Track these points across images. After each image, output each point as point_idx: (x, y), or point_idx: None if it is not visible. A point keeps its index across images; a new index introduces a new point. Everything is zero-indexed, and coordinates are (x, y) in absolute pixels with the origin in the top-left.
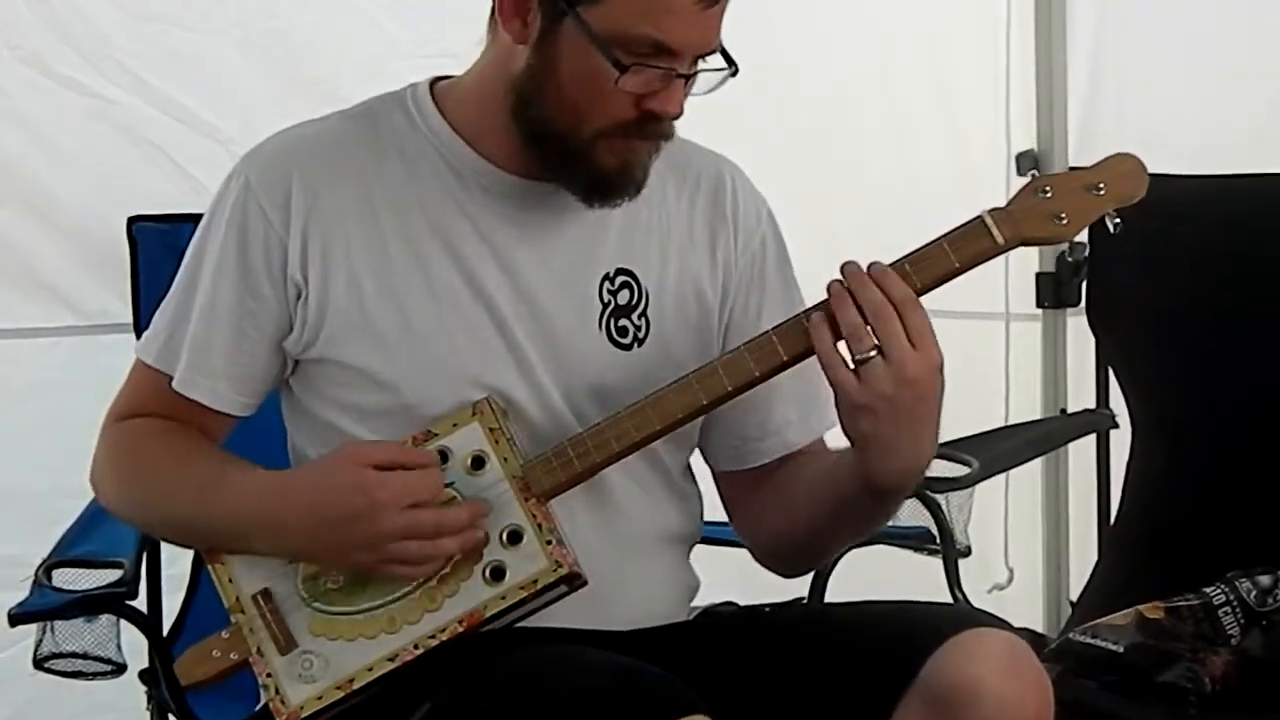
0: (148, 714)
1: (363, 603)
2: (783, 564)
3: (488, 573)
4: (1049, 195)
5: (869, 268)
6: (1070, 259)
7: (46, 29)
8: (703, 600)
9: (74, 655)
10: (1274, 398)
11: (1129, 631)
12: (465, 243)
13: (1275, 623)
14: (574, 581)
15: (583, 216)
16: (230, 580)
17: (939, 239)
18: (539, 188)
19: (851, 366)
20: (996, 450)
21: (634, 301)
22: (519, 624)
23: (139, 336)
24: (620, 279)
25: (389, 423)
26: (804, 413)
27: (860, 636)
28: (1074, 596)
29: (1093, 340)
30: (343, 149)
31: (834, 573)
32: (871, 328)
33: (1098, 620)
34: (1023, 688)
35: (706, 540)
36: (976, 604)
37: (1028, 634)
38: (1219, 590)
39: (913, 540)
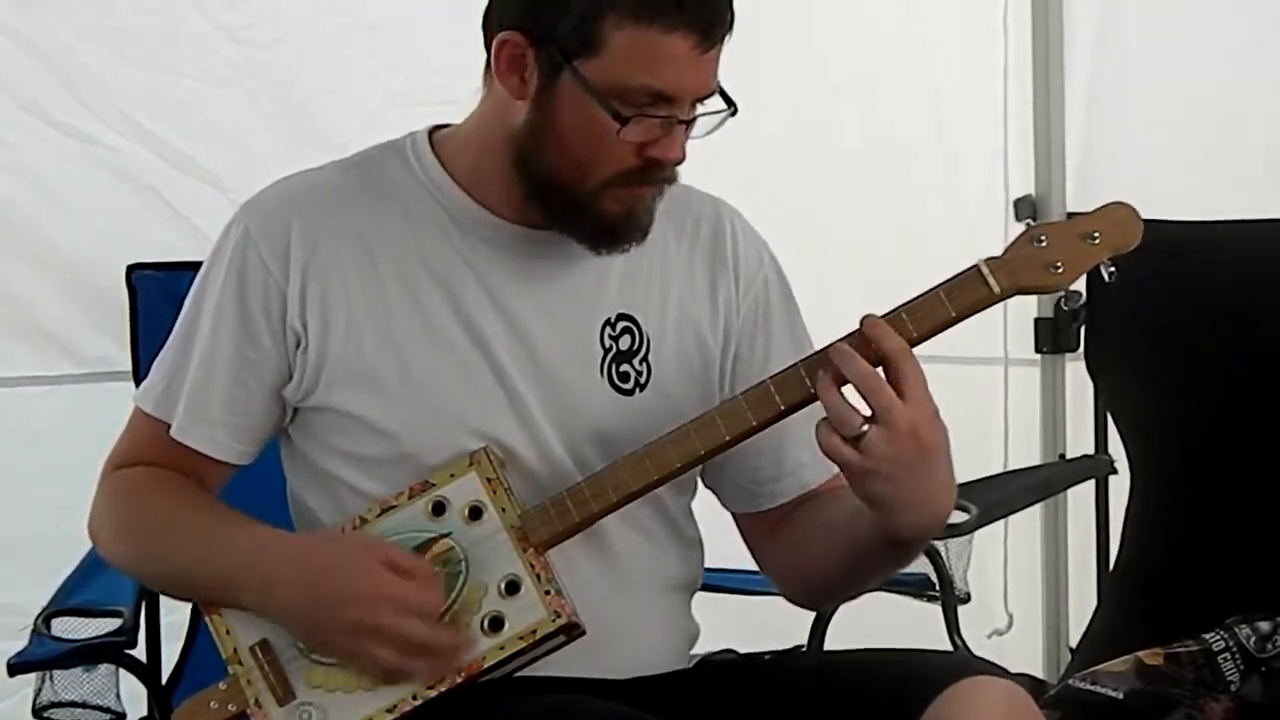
0: None
1: None
2: (805, 599)
3: (486, 623)
4: (1044, 244)
5: (862, 319)
6: (1066, 307)
7: (47, 76)
8: (702, 648)
9: (73, 704)
10: (1272, 444)
11: (1128, 678)
12: (464, 291)
13: (1275, 669)
14: (572, 631)
15: (583, 263)
16: (228, 631)
17: (935, 288)
18: (538, 235)
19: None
20: (995, 496)
21: (635, 347)
22: (518, 674)
23: (138, 384)
24: (621, 324)
25: (388, 471)
26: (817, 453)
27: (860, 684)
28: (1073, 642)
29: (1091, 385)
30: (342, 198)
31: (833, 619)
32: (864, 397)
33: (1097, 666)
34: None
35: (706, 587)
36: (976, 649)
37: (1027, 680)
38: (1218, 636)
39: (912, 587)
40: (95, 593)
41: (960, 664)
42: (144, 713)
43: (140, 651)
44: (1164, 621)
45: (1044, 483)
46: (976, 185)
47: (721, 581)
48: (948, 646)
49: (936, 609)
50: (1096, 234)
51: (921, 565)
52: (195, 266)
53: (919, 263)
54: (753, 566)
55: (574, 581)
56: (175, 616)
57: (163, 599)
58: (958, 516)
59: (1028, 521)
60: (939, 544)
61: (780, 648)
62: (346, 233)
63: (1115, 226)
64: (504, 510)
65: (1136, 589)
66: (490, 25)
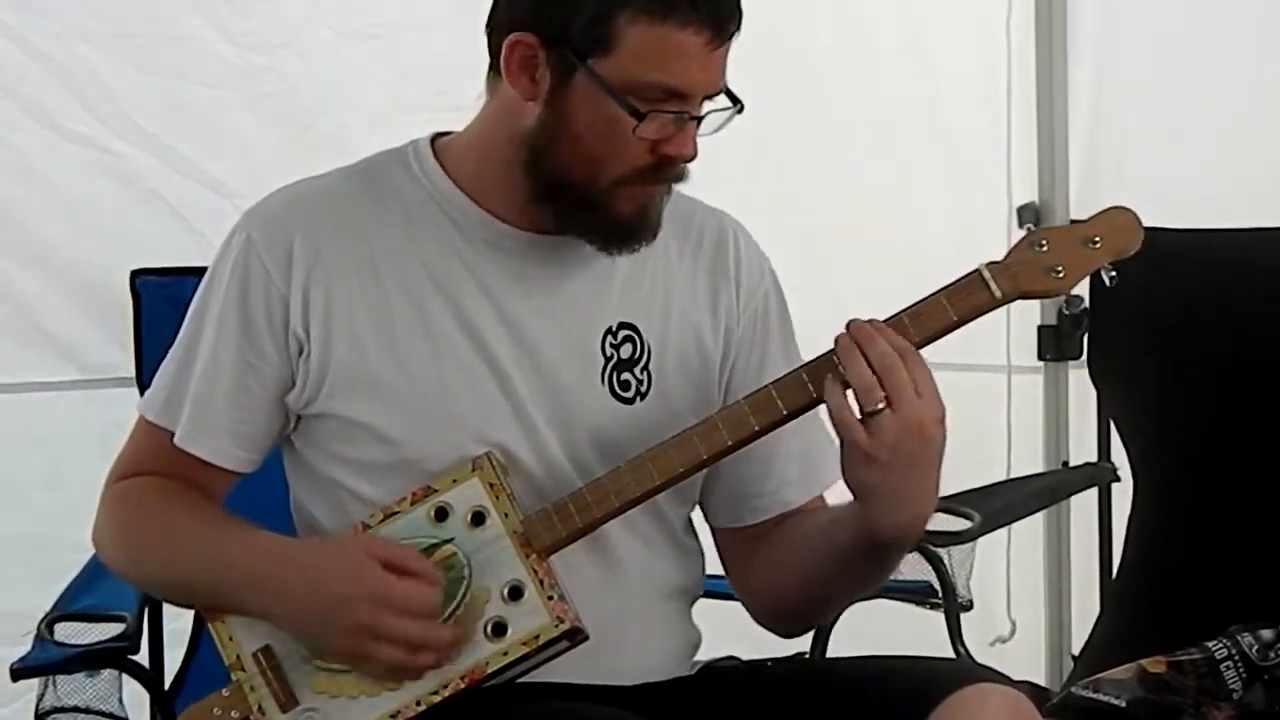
0: None
1: None
2: (781, 623)
3: (489, 628)
4: (1045, 249)
5: (866, 324)
6: (1067, 312)
7: (52, 81)
8: (705, 655)
9: (76, 710)
10: (1275, 452)
11: (1131, 685)
12: (467, 297)
13: (1278, 678)
14: (576, 637)
15: (585, 270)
16: (231, 638)
17: (936, 293)
18: (542, 241)
19: (859, 418)
20: (998, 504)
21: (636, 355)
22: (521, 679)
23: (141, 389)
24: (623, 333)
25: (390, 477)
26: (803, 472)
27: (862, 692)
28: (1076, 650)
29: (1094, 393)
30: (344, 205)
31: (836, 627)
32: (880, 381)
33: (1100, 674)
34: None
35: (708, 594)
36: (978, 657)
37: (1029, 688)
38: (1221, 644)
39: (915, 594)
40: (98, 598)
41: (963, 672)
42: (147, 718)
43: (143, 657)
44: (1167, 629)
45: (1047, 490)
46: (980, 192)
47: (724, 589)
48: (950, 654)
49: (939, 616)
50: (1097, 238)
51: (924, 572)
52: (199, 271)
53: (923, 269)
54: None
55: (576, 587)
56: (178, 622)
57: (166, 604)
58: (961, 524)
59: (1031, 529)
60: (941, 551)
61: (783, 655)
62: (349, 240)
63: (1116, 231)
64: (507, 515)
65: (1139, 597)
66: (496, 29)
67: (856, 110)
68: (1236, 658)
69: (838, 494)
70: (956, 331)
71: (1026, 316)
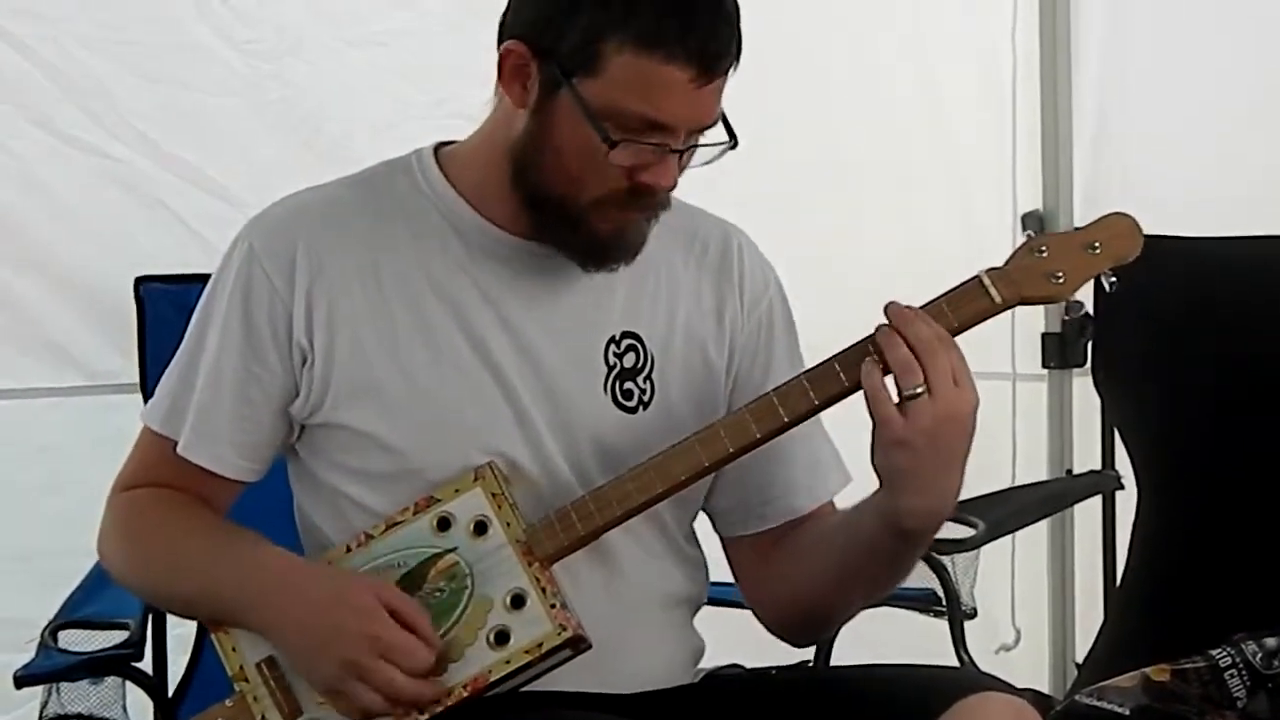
0: None
1: None
2: (793, 631)
3: (492, 637)
4: (1045, 254)
5: (905, 307)
6: (1067, 318)
7: (55, 89)
8: (708, 663)
9: (79, 717)
10: (1279, 458)
11: (1135, 694)
12: (470, 306)
13: None
14: (578, 645)
15: (588, 279)
16: (234, 649)
17: (937, 299)
18: (544, 250)
19: (896, 402)
20: (1002, 512)
21: (639, 364)
22: (524, 688)
23: (145, 396)
24: (626, 342)
25: (394, 487)
26: (810, 478)
27: (866, 700)
28: (1080, 658)
29: (1098, 401)
30: (347, 214)
31: (840, 635)
32: (920, 363)
33: (1104, 682)
34: None
35: (712, 602)
36: (982, 665)
37: (1033, 695)
38: (1225, 653)
39: (918, 602)
40: (102, 605)
41: (968, 679)
42: None
43: (147, 664)
44: (1171, 637)
45: (1051, 498)
46: (985, 201)
47: (727, 596)
48: (954, 662)
49: (943, 624)
50: (1098, 244)
51: (928, 580)
52: (203, 279)
53: (928, 278)
54: None
55: (578, 596)
56: (182, 629)
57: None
58: (965, 531)
59: (1035, 536)
60: (945, 559)
61: (786, 663)
62: (352, 249)
63: (1116, 237)
64: (509, 525)
65: (1143, 605)
66: (502, 34)
67: (861, 117)
68: (1240, 666)
69: (845, 500)
70: (960, 338)
71: (1030, 324)
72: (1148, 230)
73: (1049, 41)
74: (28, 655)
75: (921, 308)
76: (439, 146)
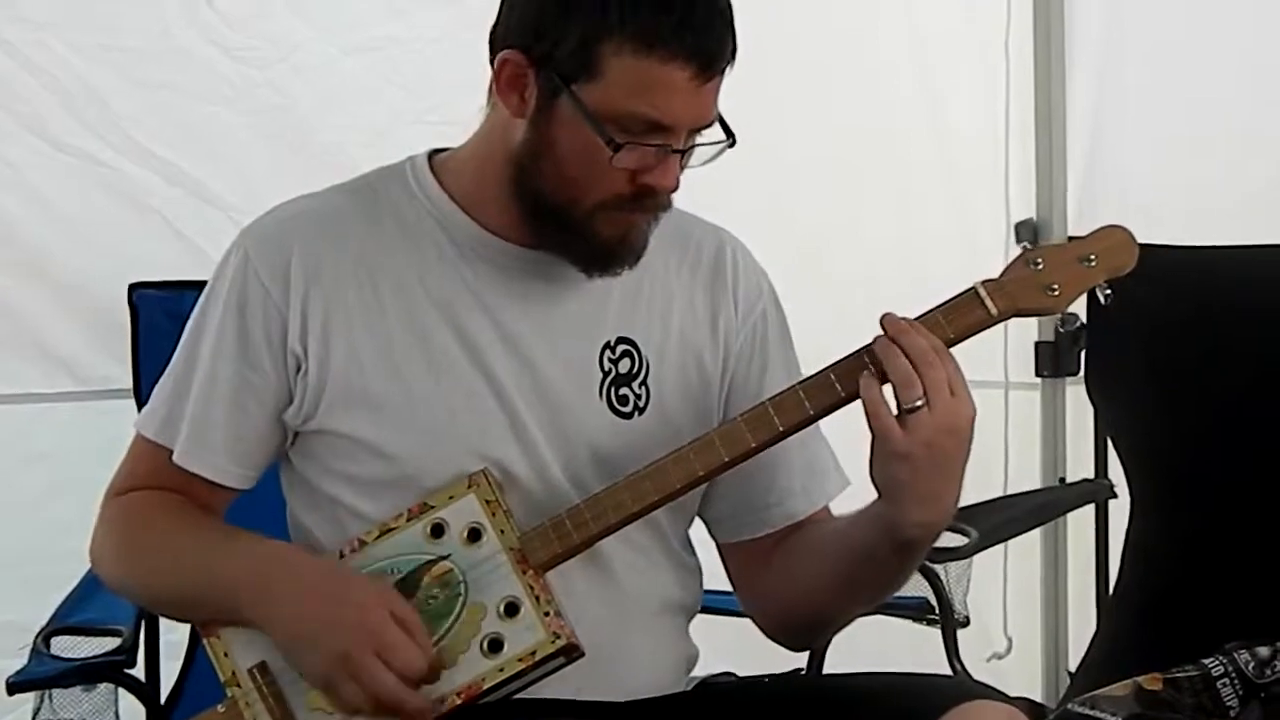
0: None
1: None
2: (791, 635)
3: (485, 645)
4: (1040, 267)
5: (900, 319)
6: (1063, 329)
7: (49, 96)
8: (701, 671)
9: None
10: (1272, 469)
11: (1127, 702)
12: (464, 312)
13: (1274, 695)
14: (572, 653)
15: (583, 286)
16: (226, 654)
17: (932, 310)
18: (538, 256)
19: (895, 414)
20: (995, 520)
21: (634, 370)
22: (517, 695)
23: (139, 402)
24: (621, 348)
25: (388, 493)
26: (807, 483)
27: (859, 709)
28: (1073, 666)
29: (1091, 409)
30: (342, 221)
31: (832, 643)
32: (919, 376)
33: (1096, 691)
34: None
35: (705, 610)
36: (975, 673)
37: (1026, 704)
38: (1218, 662)
39: (911, 611)
40: (95, 611)
41: (961, 688)
42: None
43: (139, 671)
44: (1163, 646)
45: (1044, 506)
46: (978, 209)
47: (721, 604)
48: (947, 670)
49: (936, 632)
50: (1093, 256)
51: (921, 588)
52: (197, 286)
53: (921, 286)
54: None
55: (572, 603)
56: (174, 636)
57: (163, 618)
58: (957, 540)
59: (1027, 545)
60: (938, 567)
61: (779, 671)
62: (347, 256)
63: (1112, 249)
64: (503, 532)
65: (1136, 613)
66: (494, 43)
67: (855, 123)
68: (1233, 675)
69: (842, 504)
70: (953, 348)
71: (1024, 333)
72: (1141, 239)
73: (1043, 48)
74: (20, 661)
75: (917, 319)
76: (433, 153)
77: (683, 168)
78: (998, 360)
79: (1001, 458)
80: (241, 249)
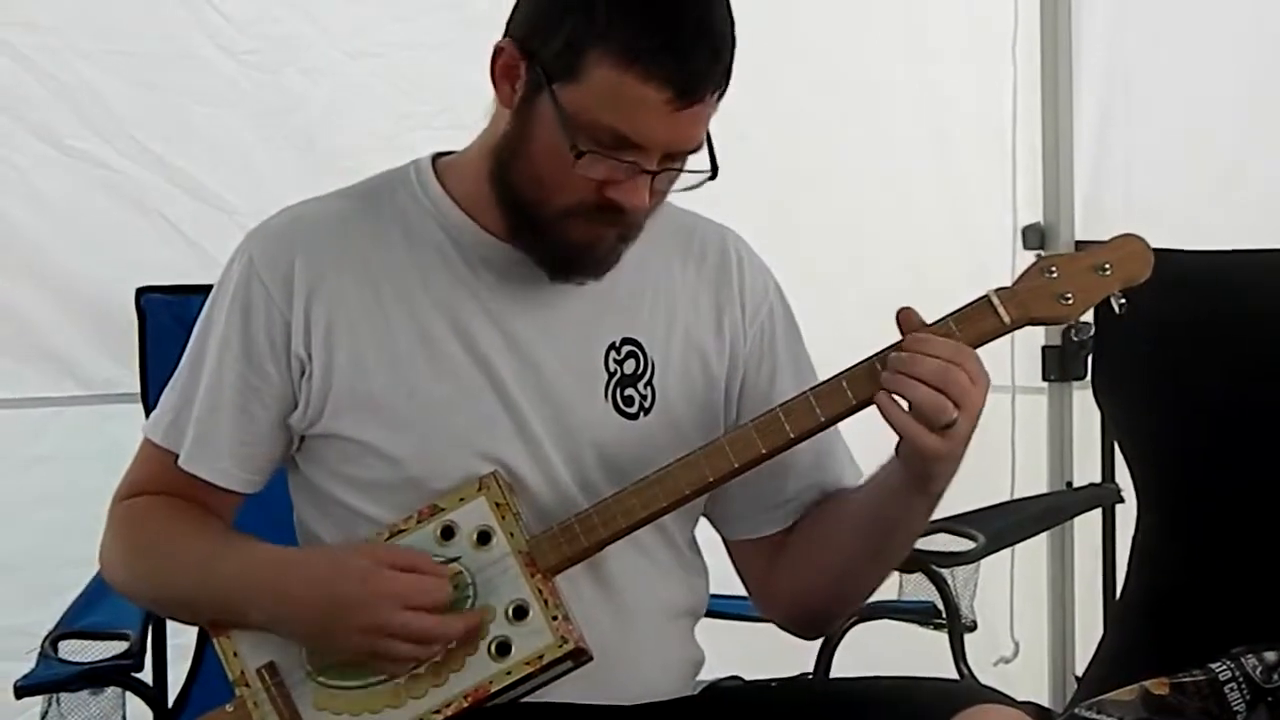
0: None
1: (367, 677)
2: (808, 621)
3: (493, 648)
4: (1055, 275)
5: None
6: (1076, 338)
7: (56, 101)
8: (707, 675)
9: None
10: (1279, 474)
11: (1134, 707)
12: (468, 315)
13: None
14: (580, 657)
15: (587, 286)
16: (235, 654)
17: (945, 318)
18: None
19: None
20: (1002, 525)
21: (640, 371)
22: (524, 699)
23: (146, 407)
24: (626, 348)
25: (395, 497)
26: (820, 475)
27: (866, 713)
28: (1079, 670)
29: (1098, 414)
30: (346, 225)
31: (839, 647)
32: (945, 395)
33: (1103, 695)
34: None
35: (712, 614)
36: (982, 678)
37: (1033, 708)
38: (1225, 666)
39: (918, 615)
40: (102, 615)
41: (967, 692)
42: None
43: (147, 674)
44: (1170, 651)
45: (1051, 511)
46: (985, 213)
47: (728, 608)
48: (953, 674)
49: (942, 637)
50: (1108, 265)
51: (928, 593)
52: (203, 290)
53: (927, 290)
54: None
55: (578, 607)
56: (182, 639)
57: (170, 621)
58: (964, 544)
59: (1034, 549)
60: (945, 572)
61: (786, 675)
62: (351, 260)
63: (1127, 259)
64: (512, 535)
65: (1142, 618)
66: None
67: (861, 127)
68: (1240, 679)
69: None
70: None
71: (1031, 337)
72: (1149, 244)
73: (1050, 53)
74: (28, 665)
75: (929, 326)
76: (437, 157)
77: (656, 191)
78: (1005, 365)
79: (1008, 462)
80: (246, 253)
